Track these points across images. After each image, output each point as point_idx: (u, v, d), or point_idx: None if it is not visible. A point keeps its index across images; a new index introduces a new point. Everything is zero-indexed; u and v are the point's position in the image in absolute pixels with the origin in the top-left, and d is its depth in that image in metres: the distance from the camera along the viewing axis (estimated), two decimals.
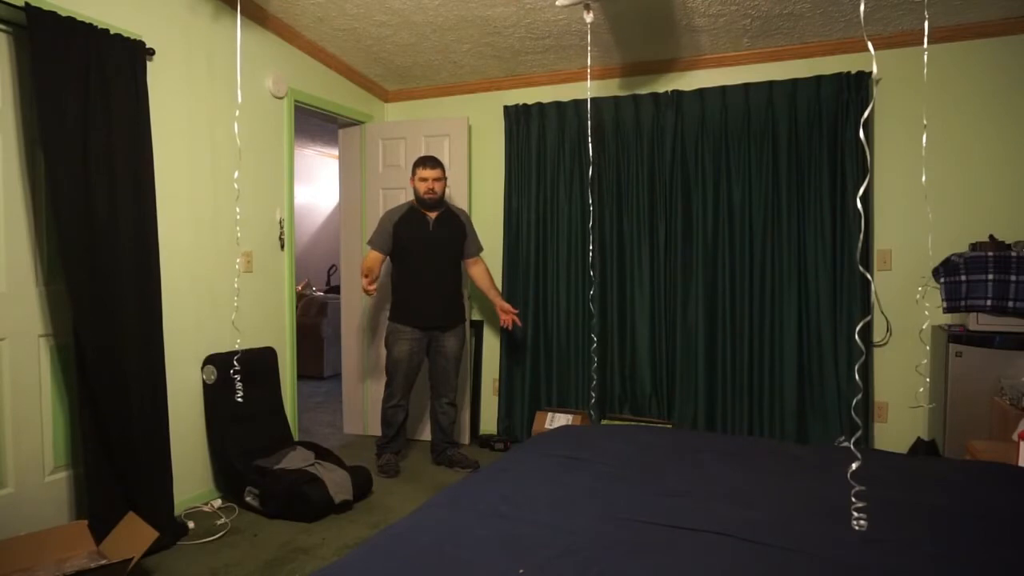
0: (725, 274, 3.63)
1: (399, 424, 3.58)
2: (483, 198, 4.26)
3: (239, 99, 3.14)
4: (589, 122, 3.26)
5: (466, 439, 4.09)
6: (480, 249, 3.69)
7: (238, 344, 3.21)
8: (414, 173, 3.47)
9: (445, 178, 3.50)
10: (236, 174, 3.18)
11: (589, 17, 2.81)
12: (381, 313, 4.18)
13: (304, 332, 5.88)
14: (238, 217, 3.25)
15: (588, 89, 3.66)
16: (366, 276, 3.35)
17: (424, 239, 3.48)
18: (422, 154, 3.73)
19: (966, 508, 1.73)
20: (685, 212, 3.72)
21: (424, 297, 3.49)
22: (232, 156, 3.21)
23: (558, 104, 3.97)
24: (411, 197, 3.59)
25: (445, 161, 4.05)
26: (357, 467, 3.21)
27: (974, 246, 3.06)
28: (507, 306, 3.62)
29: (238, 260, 3.30)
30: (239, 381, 2.67)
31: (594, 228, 3.87)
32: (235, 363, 2.75)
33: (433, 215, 3.50)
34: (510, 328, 3.68)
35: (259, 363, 3.33)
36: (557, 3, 2.77)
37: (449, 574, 1.40)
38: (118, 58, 2.57)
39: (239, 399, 2.68)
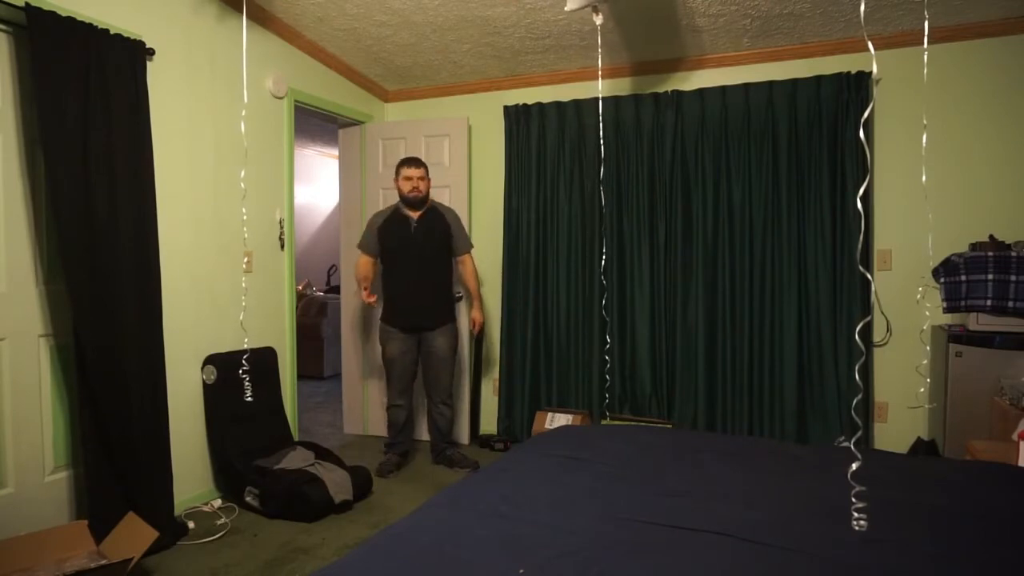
0: (725, 274, 3.63)
1: (400, 424, 3.61)
2: (483, 198, 4.26)
3: (245, 99, 3.15)
4: (601, 123, 3.26)
5: (466, 439, 4.09)
6: (468, 247, 3.65)
7: (246, 343, 3.23)
8: (398, 173, 3.50)
9: (428, 178, 3.55)
10: (243, 173, 3.18)
11: (599, 19, 2.80)
12: (378, 312, 4.18)
13: (304, 332, 5.88)
14: (244, 218, 3.27)
15: (600, 89, 3.66)
16: (364, 287, 3.54)
17: (408, 240, 3.49)
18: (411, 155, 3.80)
19: (966, 508, 1.73)
20: (685, 212, 3.72)
21: (409, 298, 3.51)
22: (231, 156, 3.21)
23: (558, 104, 3.97)
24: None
25: (445, 161, 4.08)
26: (357, 467, 3.21)
27: (974, 246, 3.06)
28: (479, 316, 3.70)
29: (245, 259, 3.31)
30: (248, 381, 2.67)
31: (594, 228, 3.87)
32: (244, 362, 2.75)
33: (416, 215, 3.51)
34: (474, 333, 3.81)
35: (259, 363, 3.33)
36: (566, 8, 2.75)
37: (449, 574, 1.40)
38: (118, 58, 2.57)
39: (248, 399, 2.67)
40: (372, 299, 3.53)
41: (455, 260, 3.66)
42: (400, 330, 3.53)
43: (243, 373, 2.71)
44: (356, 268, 3.66)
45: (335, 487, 2.98)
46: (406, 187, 3.46)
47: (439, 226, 3.53)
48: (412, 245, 3.49)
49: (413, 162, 3.51)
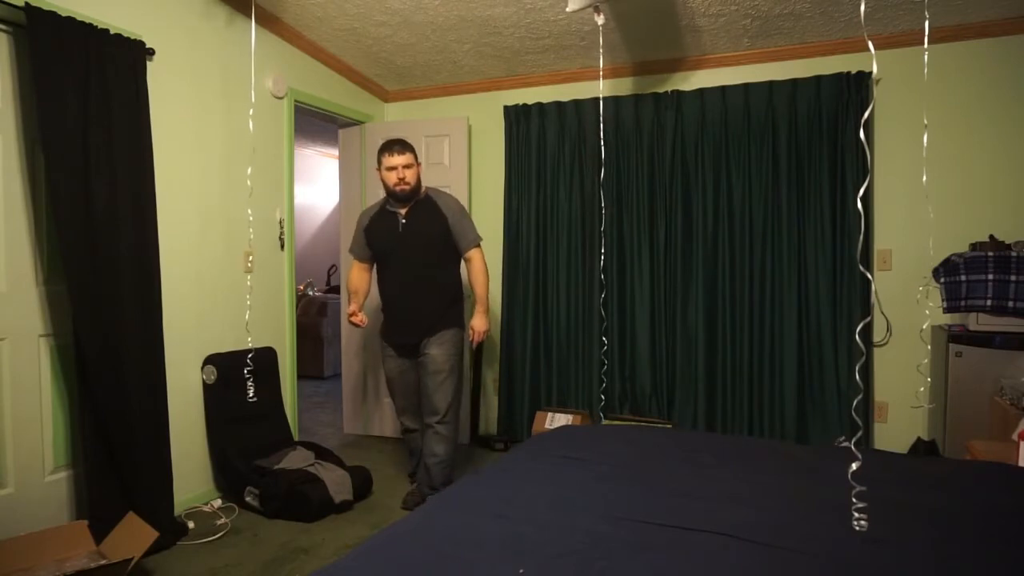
0: (725, 274, 3.63)
1: (419, 449, 3.19)
2: (483, 198, 4.25)
3: (252, 99, 3.16)
4: (601, 124, 3.25)
5: (466, 439, 4.08)
6: (474, 240, 3.04)
7: (250, 343, 3.22)
8: (380, 163, 2.90)
9: (418, 163, 2.92)
10: (249, 171, 3.18)
11: (600, 19, 2.80)
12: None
13: (304, 332, 5.88)
14: (251, 218, 3.27)
15: (600, 90, 3.67)
16: (352, 305, 3.03)
17: (395, 241, 2.92)
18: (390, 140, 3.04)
19: (966, 508, 1.72)
20: (685, 212, 3.72)
21: (398, 310, 2.98)
22: (231, 156, 3.21)
23: (558, 104, 3.97)
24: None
25: (445, 161, 4.06)
26: (357, 467, 3.21)
27: (974, 246, 3.06)
28: (478, 325, 3.05)
29: (250, 259, 3.32)
30: (251, 381, 2.67)
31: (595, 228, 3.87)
32: (248, 362, 2.75)
33: (404, 210, 2.93)
34: (473, 345, 3.16)
35: (259, 363, 3.32)
36: (568, 8, 2.75)
37: (449, 574, 1.40)
38: (118, 58, 2.57)
39: (251, 399, 2.67)
40: (358, 319, 2.99)
41: (463, 258, 3.06)
42: (392, 348, 3.06)
43: (248, 373, 2.71)
44: (347, 278, 3.13)
45: (335, 487, 2.98)
46: (391, 179, 2.86)
47: (434, 221, 2.92)
48: (402, 247, 2.92)
49: (397, 146, 2.86)
